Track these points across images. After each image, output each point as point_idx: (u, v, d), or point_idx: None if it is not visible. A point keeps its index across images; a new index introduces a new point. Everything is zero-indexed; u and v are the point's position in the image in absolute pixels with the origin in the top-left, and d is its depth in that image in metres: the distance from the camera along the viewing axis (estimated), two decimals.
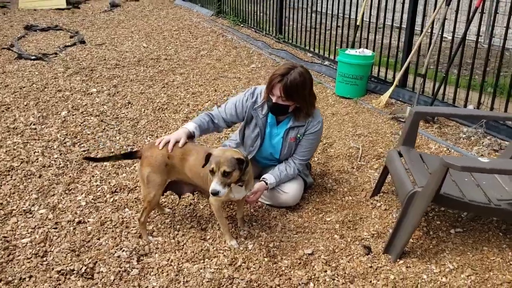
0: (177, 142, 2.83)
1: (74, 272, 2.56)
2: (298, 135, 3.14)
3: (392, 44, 5.57)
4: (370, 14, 5.82)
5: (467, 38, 4.56)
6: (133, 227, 2.98)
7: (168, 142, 2.82)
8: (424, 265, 2.63)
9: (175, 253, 2.74)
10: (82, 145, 4.16)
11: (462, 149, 4.03)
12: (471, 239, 2.87)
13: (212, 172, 2.52)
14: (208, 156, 2.56)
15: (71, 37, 8.61)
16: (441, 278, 2.52)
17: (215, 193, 2.48)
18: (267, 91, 3.05)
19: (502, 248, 2.78)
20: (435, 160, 3.10)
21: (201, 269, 2.59)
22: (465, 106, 4.61)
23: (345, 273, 2.58)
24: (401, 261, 2.67)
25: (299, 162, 3.19)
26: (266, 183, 3.08)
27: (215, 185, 2.48)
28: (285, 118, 3.18)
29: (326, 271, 2.58)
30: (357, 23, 5.87)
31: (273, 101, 2.98)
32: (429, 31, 4.91)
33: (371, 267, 2.63)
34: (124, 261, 2.65)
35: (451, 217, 3.10)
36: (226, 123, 3.27)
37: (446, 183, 2.55)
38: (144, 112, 4.99)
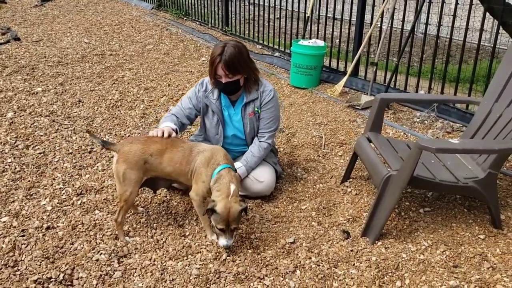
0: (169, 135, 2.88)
1: (52, 280, 2.44)
2: (256, 109, 3.19)
3: (343, 35, 5.72)
4: (320, 5, 5.94)
5: (416, 30, 4.76)
6: (108, 228, 2.88)
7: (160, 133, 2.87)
8: (401, 244, 2.75)
9: (156, 252, 2.68)
10: (37, 147, 3.94)
11: (418, 133, 4.24)
12: (440, 217, 3.03)
13: (222, 230, 2.56)
14: (211, 210, 2.55)
15: (3, 34, 8.08)
16: (419, 256, 2.65)
17: (228, 248, 2.62)
18: (212, 76, 3.08)
19: (469, 224, 2.96)
20: (401, 144, 3.24)
21: (186, 266, 2.56)
22: (416, 91, 4.84)
23: (328, 258, 2.64)
24: (380, 243, 2.77)
25: (267, 134, 3.24)
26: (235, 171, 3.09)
27: (226, 242, 2.57)
28: (238, 97, 3.22)
29: (310, 258, 2.63)
30: (307, 14, 5.97)
31: (223, 81, 3.02)
32: (379, 21, 5.08)
33: (352, 250, 2.72)
34: (105, 264, 2.55)
35: (419, 197, 3.26)
36: (189, 119, 3.28)
37: (417, 166, 2.67)
38: (97, 110, 4.81)
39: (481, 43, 4.42)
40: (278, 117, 3.33)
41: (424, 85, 4.89)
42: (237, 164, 3.12)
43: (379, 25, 5.11)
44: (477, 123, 3.11)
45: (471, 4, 4.18)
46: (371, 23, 5.09)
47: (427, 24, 4.52)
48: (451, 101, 3.98)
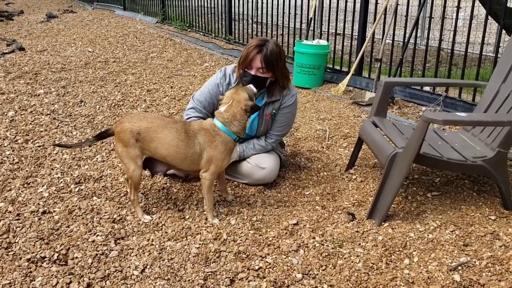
0: None
1: (46, 259, 2.35)
2: (273, 111, 3.09)
3: (346, 35, 5.70)
4: (322, 7, 5.94)
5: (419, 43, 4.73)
6: (105, 213, 2.79)
7: None
8: (409, 225, 2.65)
9: (155, 233, 2.59)
10: (36, 141, 3.89)
11: None
12: (448, 200, 2.93)
13: None
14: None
15: (8, 45, 8.14)
16: (428, 235, 2.54)
17: None
18: (242, 67, 2.95)
19: (479, 206, 2.85)
20: (407, 127, 3.16)
21: (185, 245, 2.46)
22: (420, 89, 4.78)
23: (333, 238, 2.54)
24: (386, 224, 2.66)
25: (275, 137, 3.15)
26: None
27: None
28: (259, 96, 3.12)
29: (314, 238, 2.53)
30: (310, 16, 5.96)
31: (252, 73, 2.90)
32: (383, 18, 5.06)
33: (357, 231, 2.61)
34: (101, 244, 2.47)
35: (426, 183, 3.16)
36: (210, 113, 3.18)
37: (423, 145, 2.59)
38: (99, 109, 4.77)
39: (485, 53, 4.44)
40: (292, 123, 3.26)
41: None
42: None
43: (382, 23, 5.07)
44: (485, 104, 3.03)
45: (471, 18, 4.18)
46: (374, 20, 5.07)
47: (429, 31, 4.50)
48: (456, 84, 3.91)
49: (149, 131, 2.61)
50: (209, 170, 2.65)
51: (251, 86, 2.76)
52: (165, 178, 3.24)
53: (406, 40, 4.79)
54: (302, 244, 2.48)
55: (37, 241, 2.50)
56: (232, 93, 2.70)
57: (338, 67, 5.87)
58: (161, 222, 2.71)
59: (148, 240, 2.52)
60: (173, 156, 2.66)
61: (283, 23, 7.04)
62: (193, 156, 2.64)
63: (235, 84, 3.07)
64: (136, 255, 2.40)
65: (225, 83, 3.10)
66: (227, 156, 2.69)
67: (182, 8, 10.09)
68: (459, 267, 2.26)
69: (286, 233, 2.59)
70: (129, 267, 2.30)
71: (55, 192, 3.06)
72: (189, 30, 9.62)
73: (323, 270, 2.29)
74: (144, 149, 2.65)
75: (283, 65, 2.97)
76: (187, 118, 3.12)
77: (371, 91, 4.93)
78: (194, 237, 2.55)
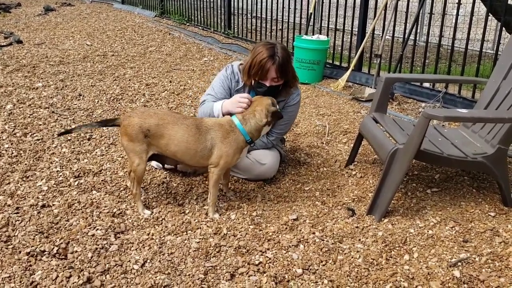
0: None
1: (46, 253, 2.34)
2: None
3: (346, 30, 5.70)
4: (322, 2, 5.92)
5: (418, 39, 4.72)
6: (105, 207, 2.78)
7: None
8: (409, 221, 2.65)
9: (155, 227, 2.59)
10: (35, 134, 3.87)
11: None
12: (448, 196, 2.93)
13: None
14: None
15: (5, 37, 8.09)
16: (428, 231, 2.55)
17: None
18: (254, 78, 2.87)
19: (478, 202, 2.86)
20: (408, 123, 3.16)
21: (185, 240, 2.46)
22: (420, 86, 4.78)
23: (333, 233, 2.54)
24: (386, 220, 2.67)
25: (276, 135, 3.14)
26: None
27: None
28: None
29: (314, 233, 2.53)
30: (310, 11, 5.95)
31: (267, 85, 2.85)
32: (383, 14, 5.05)
33: (357, 227, 2.61)
34: (101, 239, 2.46)
35: (426, 179, 3.16)
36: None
37: (424, 142, 2.59)
38: (98, 103, 4.75)
39: (484, 50, 4.44)
40: (293, 121, 3.24)
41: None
42: None
43: (383, 18, 5.06)
44: (485, 101, 3.03)
45: (471, 14, 4.17)
46: (374, 16, 5.06)
47: (429, 28, 4.48)
48: (456, 81, 3.92)
49: (159, 127, 2.60)
50: (219, 166, 2.66)
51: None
52: (165, 172, 3.24)
53: (406, 36, 4.79)
54: (302, 239, 2.48)
55: (36, 234, 2.49)
56: (257, 98, 2.76)
57: (337, 63, 5.86)
58: (161, 217, 2.70)
59: (148, 234, 2.52)
60: (183, 152, 2.65)
61: (282, 17, 7.04)
62: (203, 151, 2.63)
63: (243, 84, 3.05)
64: (136, 249, 2.40)
65: (234, 80, 3.06)
66: (237, 154, 2.69)
67: (181, 2, 10.05)
68: (459, 263, 2.27)
69: (286, 228, 2.59)
70: (129, 261, 2.30)
71: (54, 185, 3.05)
72: (188, 24, 9.58)
73: (323, 265, 2.29)
74: (152, 145, 2.64)
75: (292, 66, 2.94)
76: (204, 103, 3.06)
77: (371, 87, 4.93)
78: (194, 232, 2.55)
